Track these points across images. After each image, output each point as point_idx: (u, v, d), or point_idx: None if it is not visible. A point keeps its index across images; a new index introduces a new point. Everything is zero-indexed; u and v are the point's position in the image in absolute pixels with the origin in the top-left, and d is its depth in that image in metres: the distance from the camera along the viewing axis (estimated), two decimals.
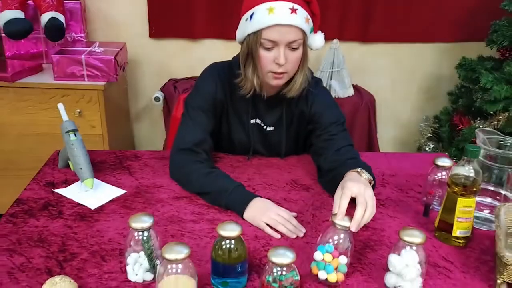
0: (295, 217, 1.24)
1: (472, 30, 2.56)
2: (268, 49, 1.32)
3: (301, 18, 1.30)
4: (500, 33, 2.15)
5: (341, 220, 1.02)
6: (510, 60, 2.14)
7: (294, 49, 1.32)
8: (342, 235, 1.02)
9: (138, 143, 2.85)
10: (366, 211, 1.11)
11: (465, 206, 1.12)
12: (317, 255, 1.02)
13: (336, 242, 1.01)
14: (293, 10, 1.28)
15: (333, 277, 1.00)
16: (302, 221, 1.24)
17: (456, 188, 1.12)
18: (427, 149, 2.56)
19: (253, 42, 1.33)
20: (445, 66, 2.67)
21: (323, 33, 1.43)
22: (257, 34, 1.31)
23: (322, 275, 1.01)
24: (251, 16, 1.32)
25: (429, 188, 1.32)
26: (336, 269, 1.01)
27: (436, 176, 1.30)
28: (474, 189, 1.11)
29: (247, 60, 1.38)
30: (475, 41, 2.54)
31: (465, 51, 2.48)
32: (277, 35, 1.29)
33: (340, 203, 1.09)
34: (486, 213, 1.25)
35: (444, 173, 1.29)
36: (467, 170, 1.11)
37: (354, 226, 1.05)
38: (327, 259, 1.01)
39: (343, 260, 1.00)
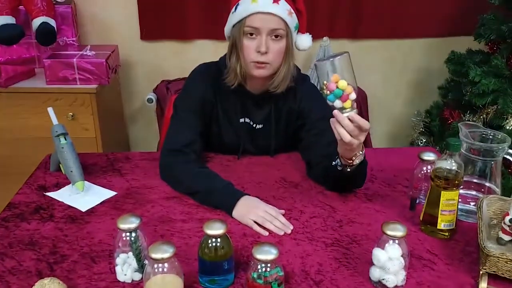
0: (283, 214, 1.26)
1: (460, 24, 2.58)
2: (251, 37, 1.35)
3: (283, 9, 1.34)
4: (488, 27, 2.16)
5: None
6: (498, 53, 2.16)
7: (276, 39, 1.35)
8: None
9: (132, 145, 2.87)
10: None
11: (448, 199, 1.14)
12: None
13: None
14: (275, 1, 1.34)
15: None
16: (290, 218, 1.25)
17: (439, 182, 1.14)
18: (419, 143, 2.58)
19: (237, 32, 1.37)
20: (435, 61, 2.69)
21: (310, 35, 1.46)
22: (240, 23, 1.36)
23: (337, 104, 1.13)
24: (236, 7, 1.37)
25: (415, 182, 1.34)
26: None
27: (421, 170, 1.32)
28: (457, 182, 1.13)
29: (232, 51, 1.41)
30: (463, 36, 2.56)
31: (454, 46, 2.50)
32: (259, 22, 1.33)
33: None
34: (471, 206, 1.27)
35: (429, 167, 1.31)
36: (449, 164, 1.13)
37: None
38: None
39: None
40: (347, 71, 1.13)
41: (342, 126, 1.15)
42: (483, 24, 2.22)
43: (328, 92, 1.13)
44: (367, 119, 2.62)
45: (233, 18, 1.38)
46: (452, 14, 2.59)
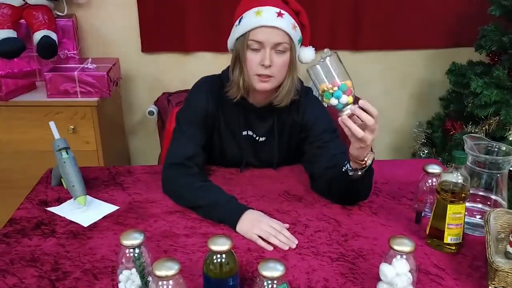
0: (288, 228, 1.25)
1: (461, 35, 2.58)
2: (255, 51, 1.35)
3: (288, 23, 1.34)
4: (488, 38, 2.16)
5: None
6: (499, 64, 2.15)
7: (280, 52, 1.35)
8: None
9: (133, 157, 2.85)
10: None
11: (455, 213, 1.12)
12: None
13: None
14: (280, 14, 1.33)
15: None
16: (295, 232, 1.24)
17: (445, 195, 1.13)
18: (421, 154, 2.57)
19: (240, 45, 1.36)
20: (436, 72, 2.69)
21: (313, 48, 1.46)
22: (244, 36, 1.35)
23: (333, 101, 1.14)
24: (240, 20, 1.36)
25: (420, 195, 1.33)
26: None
27: (426, 183, 1.31)
28: (463, 195, 1.12)
29: (235, 64, 1.40)
30: (464, 47, 2.56)
31: (455, 57, 2.50)
32: (263, 36, 1.33)
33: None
34: (477, 219, 1.26)
35: (434, 179, 1.29)
36: (455, 177, 1.12)
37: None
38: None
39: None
40: (340, 68, 1.15)
41: (355, 122, 1.15)
42: (484, 35, 2.22)
43: (336, 88, 1.13)
44: None
45: (237, 31, 1.38)
46: (453, 25, 2.59)
